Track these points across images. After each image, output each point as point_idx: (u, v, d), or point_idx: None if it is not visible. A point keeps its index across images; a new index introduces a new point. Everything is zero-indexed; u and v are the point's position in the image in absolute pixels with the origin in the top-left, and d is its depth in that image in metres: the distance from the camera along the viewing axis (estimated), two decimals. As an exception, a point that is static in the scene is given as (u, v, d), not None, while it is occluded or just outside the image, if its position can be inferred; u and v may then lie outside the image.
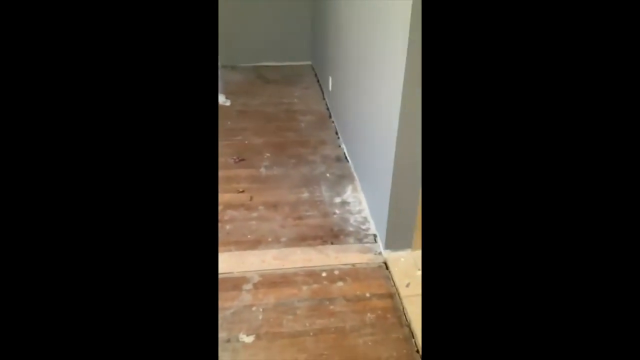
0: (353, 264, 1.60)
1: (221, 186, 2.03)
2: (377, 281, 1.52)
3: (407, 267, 1.57)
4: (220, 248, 1.63)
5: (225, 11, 3.70)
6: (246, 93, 3.23)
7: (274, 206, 1.92)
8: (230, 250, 1.63)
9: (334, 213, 1.89)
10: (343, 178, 2.16)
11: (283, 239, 1.73)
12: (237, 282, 1.48)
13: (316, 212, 1.90)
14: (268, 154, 2.36)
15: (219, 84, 3.51)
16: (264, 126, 2.72)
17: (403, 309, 1.40)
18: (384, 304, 1.43)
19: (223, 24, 3.73)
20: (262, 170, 2.21)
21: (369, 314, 1.39)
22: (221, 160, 2.27)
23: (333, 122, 2.77)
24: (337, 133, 2.63)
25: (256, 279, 1.51)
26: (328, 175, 2.18)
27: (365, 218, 1.86)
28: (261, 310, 1.40)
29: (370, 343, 1.29)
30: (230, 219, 1.81)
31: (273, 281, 1.51)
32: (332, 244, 1.71)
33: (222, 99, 3.05)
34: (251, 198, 1.97)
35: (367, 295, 1.47)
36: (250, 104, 3.06)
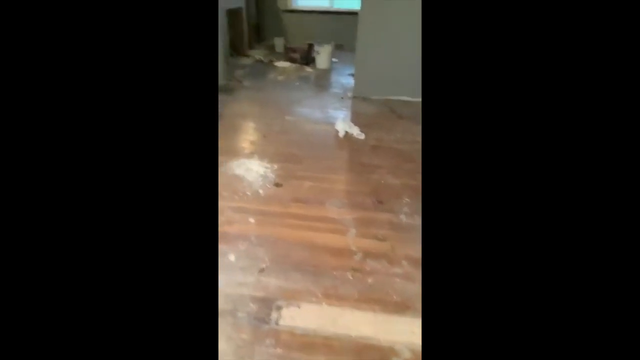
0: None
1: (359, 230, 1.89)
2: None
3: None
4: (363, 305, 1.47)
5: (360, 42, 3.69)
6: (379, 127, 3.11)
7: (418, 263, 1.70)
8: (374, 311, 1.46)
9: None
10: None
11: (430, 306, 1.49)
12: (385, 354, 1.29)
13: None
14: (407, 199, 2.17)
15: (350, 115, 3.48)
16: (399, 165, 2.55)
17: None
18: None
19: (356, 55, 3.75)
20: (402, 217, 2.02)
21: None
22: (358, 199, 2.15)
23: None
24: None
25: (406, 354, 1.30)
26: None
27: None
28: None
29: None
30: (371, 270, 1.65)
31: (423, 360, 1.28)
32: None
33: (356, 131, 2.98)
34: (393, 248, 1.79)
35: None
36: (384, 139, 2.93)
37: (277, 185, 2.26)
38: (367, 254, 1.74)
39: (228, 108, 3.49)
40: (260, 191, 2.20)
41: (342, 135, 2.95)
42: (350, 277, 1.60)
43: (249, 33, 5.76)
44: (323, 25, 6.45)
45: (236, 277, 1.57)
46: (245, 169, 2.43)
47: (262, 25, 6.50)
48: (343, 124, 3.03)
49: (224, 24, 4.57)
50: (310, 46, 5.27)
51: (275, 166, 2.48)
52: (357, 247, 1.78)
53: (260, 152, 2.66)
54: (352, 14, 6.35)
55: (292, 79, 4.57)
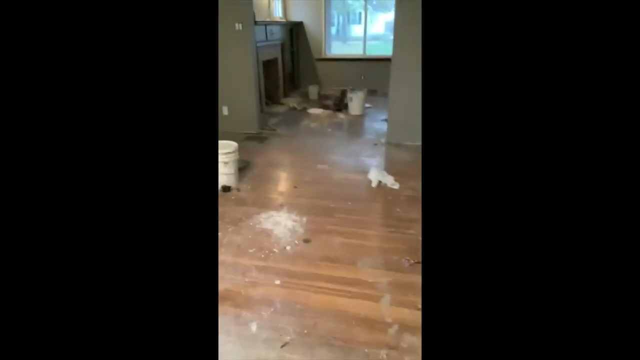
0: None
1: (395, 296, 1.70)
2: None
3: None
4: (399, 394, 1.26)
5: (393, 87, 3.64)
6: (414, 176, 2.96)
7: (464, 339, 1.48)
8: (413, 402, 1.25)
9: None
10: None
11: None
12: None
13: None
14: (448, 259, 1.97)
15: (384, 162, 3.36)
16: (438, 219, 2.36)
17: None
18: None
19: (389, 101, 3.69)
20: (443, 280, 1.82)
21: None
22: (393, 259, 1.97)
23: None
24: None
25: None
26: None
27: None
28: None
29: None
30: (408, 347, 1.45)
31: None
32: None
33: (390, 181, 2.84)
34: (433, 321, 1.58)
35: None
36: (420, 189, 2.77)
37: (306, 241, 2.14)
38: (404, 327, 1.54)
39: (260, 156, 3.49)
40: (288, 248, 2.08)
41: (375, 185, 2.83)
42: (385, 357, 1.41)
43: (283, 82, 5.93)
44: (356, 72, 6.55)
45: (258, 352, 1.42)
46: (273, 222, 2.34)
47: (297, 74, 6.71)
48: (376, 173, 2.91)
49: (260, 74, 4.73)
50: (343, 92, 5.31)
51: (305, 219, 2.37)
52: (392, 317, 1.59)
53: (290, 204, 2.58)
54: (385, 60, 6.43)
55: (324, 126, 4.57)
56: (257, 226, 2.30)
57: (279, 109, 5.38)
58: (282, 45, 5.77)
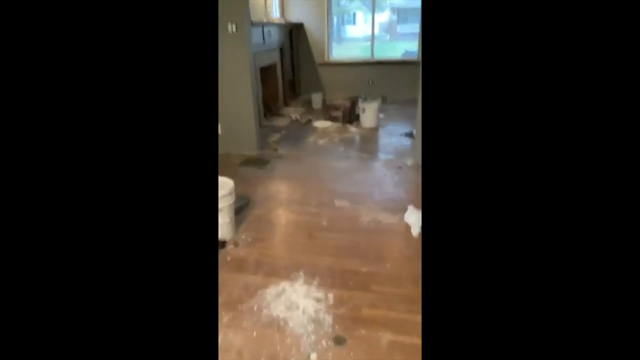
0: None
1: None
2: None
3: None
4: None
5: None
6: (464, 217, 2.28)
7: None
8: None
9: None
10: None
11: None
12: None
13: None
14: None
15: (418, 196, 2.68)
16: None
17: None
18: None
19: (419, 114, 3.01)
20: None
21: None
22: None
23: None
24: None
25: None
26: None
27: None
28: None
29: None
30: None
31: None
32: None
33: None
34: None
35: None
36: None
37: (339, 342, 1.45)
38: None
39: (261, 189, 2.79)
40: (313, 357, 1.39)
41: (417, 234, 2.14)
42: None
43: (283, 90, 5.25)
44: (363, 77, 5.88)
45: None
46: (287, 304, 1.64)
47: (298, 81, 6.02)
48: (415, 215, 2.23)
49: (257, 83, 4.04)
50: (353, 102, 4.64)
51: (331, 296, 1.68)
52: None
53: (308, 267, 1.88)
54: (395, 63, 5.77)
55: (334, 143, 3.89)
56: (265, 311, 1.60)
57: (280, 121, 4.69)
58: (281, 49, 5.09)
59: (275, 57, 4.78)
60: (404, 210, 2.35)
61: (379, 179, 2.97)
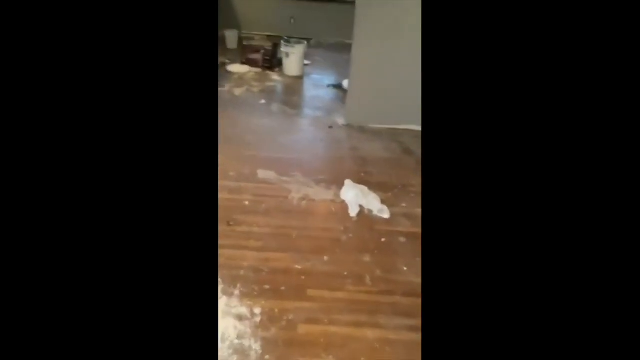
0: None
1: None
2: None
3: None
4: None
5: (357, 47, 2.58)
6: (403, 188, 2.06)
7: None
8: None
9: None
10: None
11: None
12: None
13: None
14: None
15: (355, 164, 2.38)
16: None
17: None
18: None
19: (352, 66, 2.64)
20: None
21: None
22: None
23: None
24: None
25: None
26: None
27: None
28: None
29: None
30: None
31: None
32: None
33: (376, 205, 1.90)
34: None
35: None
36: (419, 214, 1.89)
37: (271, 380, 1.13)
38: None
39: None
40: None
41: (356, 214, 1.86)
42: None
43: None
44: (284, 13, 5.20)
45: None
46: (200, 326, 1.27)
47: (207, 12, 5.10)
48: (354, 192, 1.93)
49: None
50: (275, 45, 4.03)
51: (258, 310, 1.33)
52: None
53: (227, 269, 1.49)
54: (322, 0, 5.17)
55: (254, 93, 3.34)
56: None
57: (187, 64, 3.92)
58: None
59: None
60: (339, 182, 2.04)
61: (308, 142, 2.59)
